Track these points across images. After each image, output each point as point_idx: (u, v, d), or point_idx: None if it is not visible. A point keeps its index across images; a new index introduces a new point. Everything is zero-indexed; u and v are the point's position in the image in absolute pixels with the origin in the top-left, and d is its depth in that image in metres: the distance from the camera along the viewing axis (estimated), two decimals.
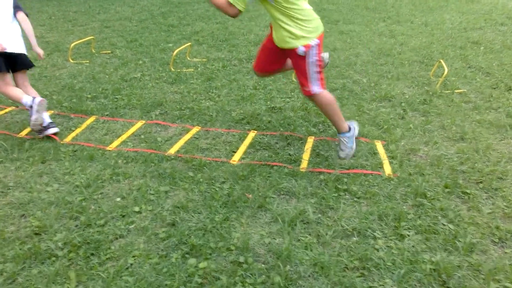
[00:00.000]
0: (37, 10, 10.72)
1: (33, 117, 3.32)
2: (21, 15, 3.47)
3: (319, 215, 2.45)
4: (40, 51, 3.62)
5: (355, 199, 2.58)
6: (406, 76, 4.69)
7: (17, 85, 3.60)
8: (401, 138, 3.30)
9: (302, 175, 2.81)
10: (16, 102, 3.84)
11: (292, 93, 4.20)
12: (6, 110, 4.12)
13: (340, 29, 6.89)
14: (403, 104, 3.93)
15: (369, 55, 5.45)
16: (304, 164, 2.94)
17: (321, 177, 2.79)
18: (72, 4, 11.22)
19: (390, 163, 2.95)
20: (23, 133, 3.59)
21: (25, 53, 3.57)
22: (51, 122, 3.50)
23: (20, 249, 2.22)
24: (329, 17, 7.85)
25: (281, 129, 3.47)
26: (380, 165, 2.93)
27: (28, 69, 3.70)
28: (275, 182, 2.73)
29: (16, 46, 3.46)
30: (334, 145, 3.23)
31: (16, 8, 3.48)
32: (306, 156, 3.05)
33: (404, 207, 2.50)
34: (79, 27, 8.09)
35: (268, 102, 3.99)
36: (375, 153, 3.08)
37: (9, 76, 3.53)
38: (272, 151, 3.13)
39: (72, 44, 5.89)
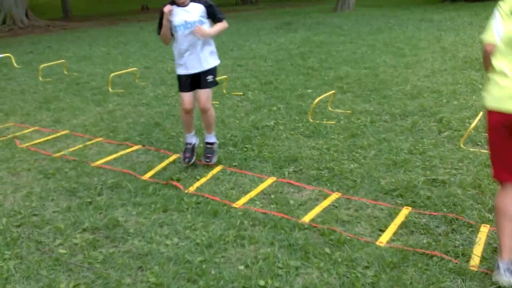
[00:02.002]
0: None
1: None
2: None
3: None
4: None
5: None
6: None
7: None
8: None
9: (473, 276, 2.61)
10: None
11: (460, 164, 4.01)
12: (133, 149, 4.73)
13: None
14: None
15: None
16: (475, 261, 2.73)
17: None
18: None
19: None
20: (147, 175, 4.06)
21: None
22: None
23: None
24: None
25: (445, 209, 3.31)
26: None
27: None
28: (434, 278, 2.59)
29: None
30: None
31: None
32: (478, 250, 2.83)
33: None
34: None
35: (428, 172, 3.86)
36: None
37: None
38: (431, 237, 2.99)
39: None
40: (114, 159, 4.50)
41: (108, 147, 4.86)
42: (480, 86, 6.36)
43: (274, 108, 5.83)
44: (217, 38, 12.61)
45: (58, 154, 4.66)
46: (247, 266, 2.77)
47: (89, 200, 3.67)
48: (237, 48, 10.79)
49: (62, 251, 3.01)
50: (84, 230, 3.25)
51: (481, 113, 4.63)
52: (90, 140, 5.08)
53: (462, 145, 4.40)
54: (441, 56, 8.40)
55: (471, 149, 4.32)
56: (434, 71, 7.35)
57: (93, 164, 4.36)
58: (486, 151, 4.26)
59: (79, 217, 3.41)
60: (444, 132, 4.75)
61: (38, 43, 14.52)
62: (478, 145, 4.45)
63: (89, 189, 3.86)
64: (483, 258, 2.77)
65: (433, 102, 5.74)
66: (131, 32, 16.12)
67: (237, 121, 5.38)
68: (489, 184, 3.62)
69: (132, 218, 3.39)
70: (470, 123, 4.85)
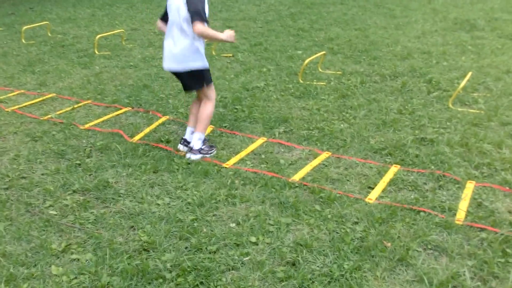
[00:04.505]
0: (147, 6, 12.06)
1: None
2: None
3: (478, 282, 2.32)
4: None
5: None
6: None
7: None
8: None
9: (458, 229, 2.69)
10: None
11: (448, 123, 4.06)
12: (122, 111, 4.70)
13: None
14: None
15: None
16: (460, 215, 2.81)
17: (483, 235, 2.65)
18: None
19: None
20: (137, 137, 4.05)
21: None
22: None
23: (129, 264, 2.51)
24: (502, 29, 7.41)
25: (432, 167, 3.37)
26: None
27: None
28: (421, 232, 2.66)
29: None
30: (502, 195, 3.03)
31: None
32: (463, 205, 2.91)
33: None
34: None
35: (417, 132, 3.91)
36: None
37: None
38: (419, 193, 3.06)
39: None
40: (103, 121, 4.48)
41: (96, 110, 4.82)
42: (469, 47, 6.37)
43: (264, 69, 5.80)
44: None
45: (45, 117, 4.63)
46: (238, 224, 2.82)
47: (78, 162, 3.67)
48: (226, 9, 10.60)
49: (52, 212, 3.03)
50: (74, 191, 3.27)
51: (469, 73, 4.65)
52: (77, 102, 5.03)
53: (450, 105, 4.44)
54: (432, 17, 8.35)
55: (459, 109, 4.36)
56: (425, 32, 7.32)
57: (81, 127, 4.34)
58: (474, 111, 4.31)
59: (68, 179, 3.42)
60: (433, 92, 4.79)
61: (19, 4, 14.11)
62: (466, 105, 4.49)
63: (78, 151, 3.85)
64: (468, 213, 2.85)
65: (423, 63, 5.75)
66: None
67: (227, 83, 5.35)
68: (475, 143, 3.68)
69: (122, 179, 3.41)
70: (458, 84, 4.88)
